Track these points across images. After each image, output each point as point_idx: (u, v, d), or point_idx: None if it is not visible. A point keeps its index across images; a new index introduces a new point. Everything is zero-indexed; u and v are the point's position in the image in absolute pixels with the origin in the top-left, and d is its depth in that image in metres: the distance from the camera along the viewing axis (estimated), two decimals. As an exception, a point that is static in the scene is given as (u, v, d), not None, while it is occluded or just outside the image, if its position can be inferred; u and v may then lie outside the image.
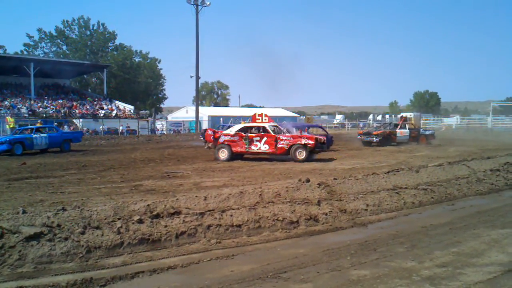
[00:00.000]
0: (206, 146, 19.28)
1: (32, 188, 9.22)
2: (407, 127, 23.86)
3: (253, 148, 15.17)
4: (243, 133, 15.31)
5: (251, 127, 15.68)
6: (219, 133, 16.15)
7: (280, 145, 14.87)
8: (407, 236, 5.68)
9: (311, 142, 14.77)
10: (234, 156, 15.28)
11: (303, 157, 14.61)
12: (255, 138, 15.13)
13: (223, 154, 15.25)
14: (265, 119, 15.74)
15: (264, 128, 15.36)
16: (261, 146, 15.06)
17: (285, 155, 14.97)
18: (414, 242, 5.40)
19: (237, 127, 16.23)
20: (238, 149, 15.27)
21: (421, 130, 25.07)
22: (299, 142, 14.78)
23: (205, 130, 19.42)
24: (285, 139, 14.96)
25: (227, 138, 15.35)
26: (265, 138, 15.06)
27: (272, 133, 15.11)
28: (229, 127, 28.25)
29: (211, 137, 16.06)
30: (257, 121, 15.85)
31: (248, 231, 5.75)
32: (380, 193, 7.73)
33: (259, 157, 15.39)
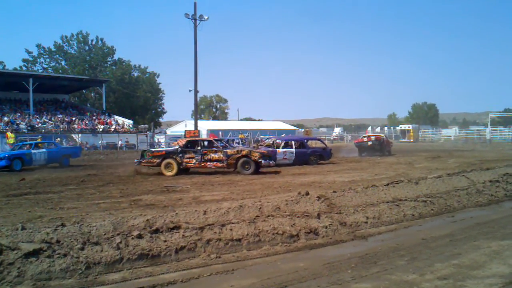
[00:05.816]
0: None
1: (31, 204, 9.18)
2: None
3: None
4: None
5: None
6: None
7: None
8: (407, 248, 5.67)
9: None
10: None
11: None
12: None
13: None
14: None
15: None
16: None
17: None
18: (414, 254, 5.38)
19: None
20: None
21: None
22: None
23: None
24: None
25: None
26: None
27: None
28: (233, 140, 28.72)
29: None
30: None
31: (248, 245, 5.73)
32: (380, 206, 7.72)
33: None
